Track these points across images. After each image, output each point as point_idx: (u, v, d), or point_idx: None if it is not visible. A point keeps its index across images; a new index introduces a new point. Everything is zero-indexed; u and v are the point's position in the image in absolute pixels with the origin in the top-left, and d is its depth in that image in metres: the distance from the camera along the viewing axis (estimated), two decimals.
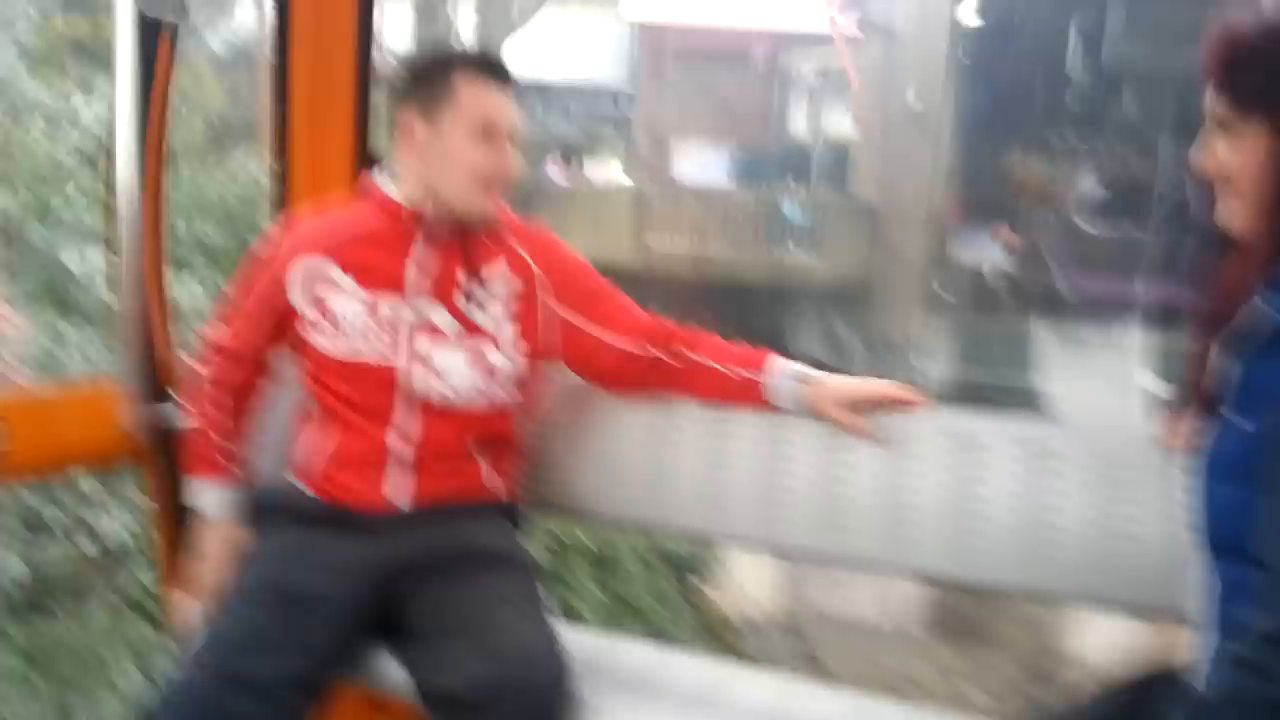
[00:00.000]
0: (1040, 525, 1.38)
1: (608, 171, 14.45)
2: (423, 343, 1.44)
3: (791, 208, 12.05)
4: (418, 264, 1.45)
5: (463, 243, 1.47)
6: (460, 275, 1.46)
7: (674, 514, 1.59)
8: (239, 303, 1.52)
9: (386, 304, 1.44)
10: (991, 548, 1.41)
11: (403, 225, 1.45)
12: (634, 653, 1.51)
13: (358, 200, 1.52)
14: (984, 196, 12.28)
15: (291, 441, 1.54)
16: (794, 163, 14.48)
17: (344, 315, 1.44)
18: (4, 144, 4.85)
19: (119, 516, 2.80)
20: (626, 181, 14.26)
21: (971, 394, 10.10)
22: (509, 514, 1.54)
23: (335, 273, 1.45)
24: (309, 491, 1.48)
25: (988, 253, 11.57)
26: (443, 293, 1.45)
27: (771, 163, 14.63)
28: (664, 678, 1.44)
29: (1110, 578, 1.35)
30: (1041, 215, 11.79)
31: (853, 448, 1.48)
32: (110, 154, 1.59)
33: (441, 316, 1.45)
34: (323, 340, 1.46)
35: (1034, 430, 1.46)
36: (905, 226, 12.03)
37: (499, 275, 1.48)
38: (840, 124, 14.23)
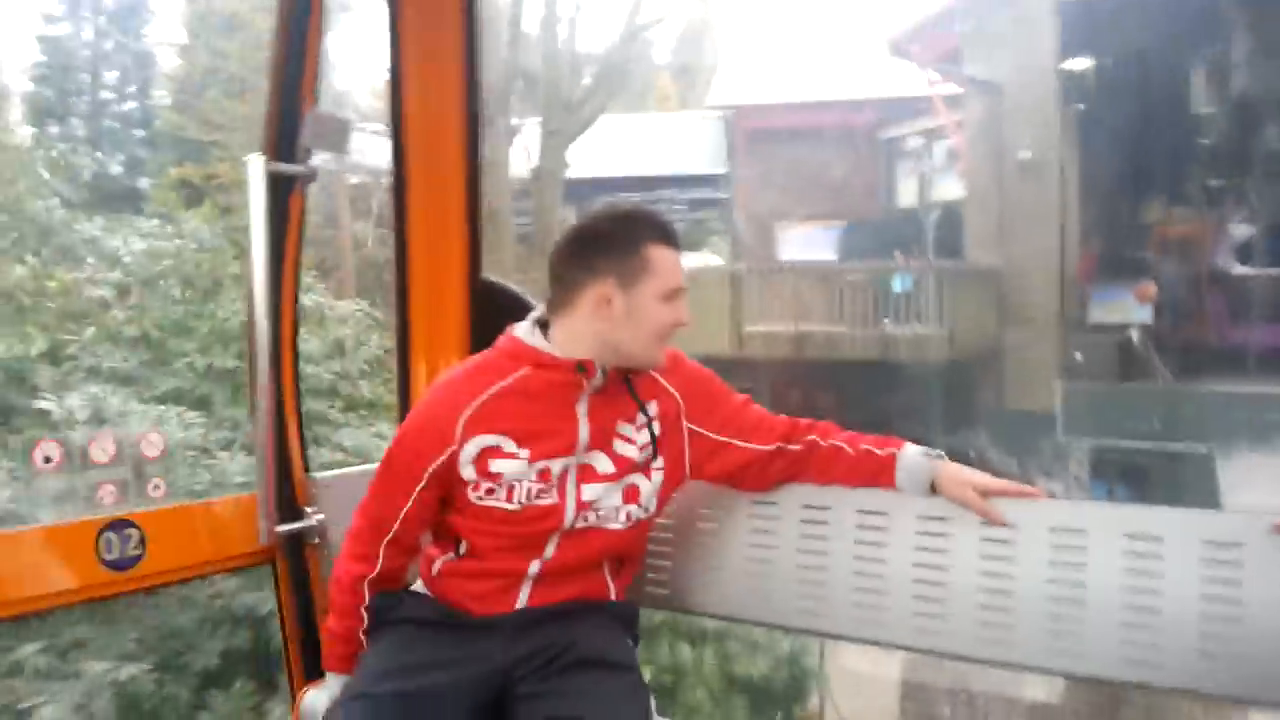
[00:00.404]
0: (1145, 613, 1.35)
1: (707, 258, 14.43)
2: (586, 490, 1.52)
3: (903, 279, 11.39)
4: (585, 420, 1.51)
5: (626, 392, 1.54)
6: (619, 425, 1.54)
7: (778, 609, 1.63)
8: (403, 487, 1.52)
9: (557, 464, 1.50)
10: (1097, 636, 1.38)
11: (568, 381, 1.50)
12: None
13: (507, 360, 1.52)
14: (1119, 251, 11.33)
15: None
16: (905, 232, 13.79)
17: (517, 480, 1.49)
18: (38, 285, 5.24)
19: None
20: (723, 264, 14.04)
21: (1123, 463, 9.56)
22: (620, 614, 1.58)
23: (510, 446, 1.49)
24: (432, 597, 1.57)
25: (1130, 312, 10.55)
26: (605, 441, 1.53)
27: (879, 234, 13.95)
28: None
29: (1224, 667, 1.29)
30: (1188, 265, 10.78)
31: (955, 541, 1.50)
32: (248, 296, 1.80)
33: (602, 461, 1.53)
34: (490, 500, 1.50)
35: (1141, 517, 1.42)
36: (1032, 289, 11.23)
37: (651, 412, 1.57)
38: (952, 189, 13.74)
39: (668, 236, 1.50)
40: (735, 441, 1.59)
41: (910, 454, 1.55)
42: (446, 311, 1.97)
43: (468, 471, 1.49)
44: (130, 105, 17.69)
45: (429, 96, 1.97)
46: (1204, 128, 11.13)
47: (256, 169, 1.75)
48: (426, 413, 1.53)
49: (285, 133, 1.81)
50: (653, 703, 1.47)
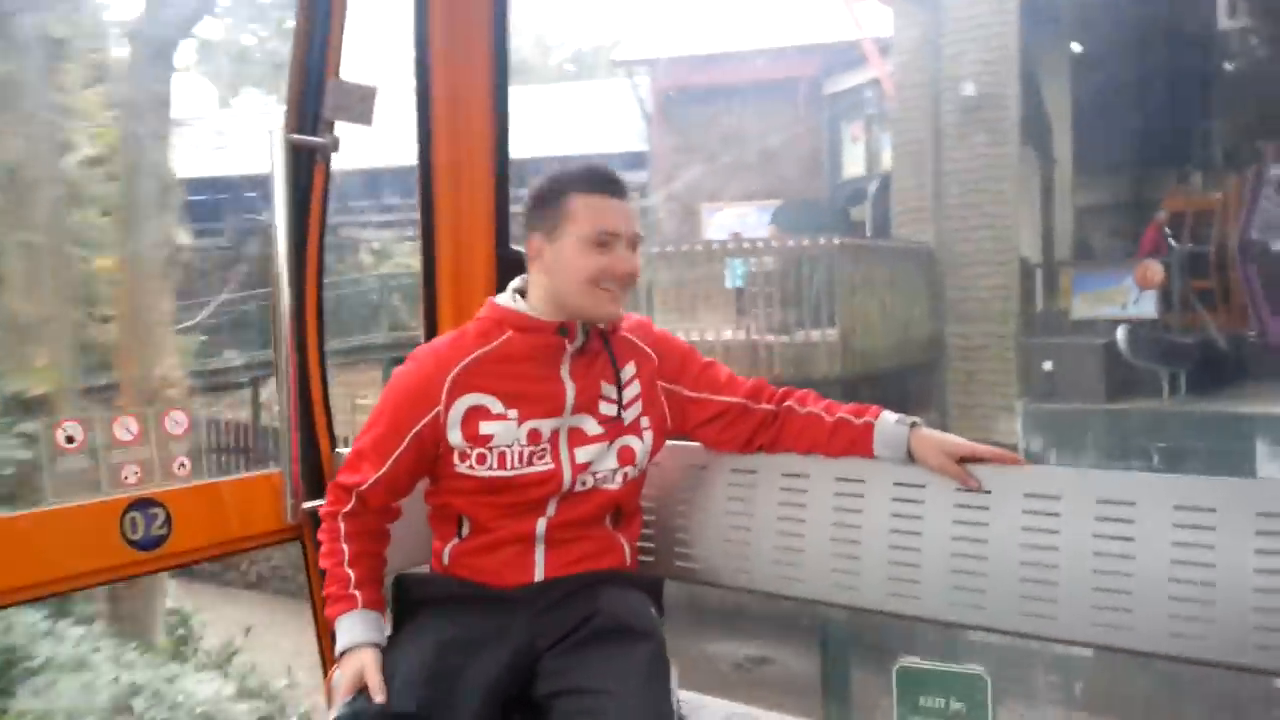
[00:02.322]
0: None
1: None
2: (579, 452, 1.56)
3: (735, 268, 8.43)
4: (570, 381, 1.55)
5: (605, 353, 1.59)
6: (603, 386, 1.59)
7: (757, 575, 1.70)
8: (382, 445, 1.53)
9: (546, 426, 1.54)
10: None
11: (550, 343, 1.55)
12: None
13: (491, 325, 1.57)
14: (1114, 221, 9.22)
15: (428, 536, 1.64)
16: (850, 207, 11.79)
17: (508, 444, 1.52)
18: None
19: None
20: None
21: None
22: (648, 585, 1.64)
23: (498, 407, 1.52)
24: (450, 576, 1.59)
25: (1127, 303, 7.88)
26: (591, 403, 1.58)
27: (815, 213, 11.82)
28: None
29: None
30: (1210, 237, 8.28)
31: (930, 508, 1.56)
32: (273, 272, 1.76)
33: (591, 424, 1.57)
34: (481, 470, 1.53)
35: (1114, 482, 1.47)
36: (982, 274, 8.47)
37: (630, 373, 1.63)
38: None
39: (593, 184, 1.51)
40: (706, 395, 1.66)
41: (887, 422, 1.60)
42: (474, 285, 1.96)
43: (455, 436, 1.51)
44: None
45: (456, 65, 1.95)
46: (1233, 49, 8.43)
47: (276, 141, 1.72)
48: (412, 373, 1.55)
49: (307, 103, 1.77)
50: (674, 674, 1.49)
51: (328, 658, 1.73)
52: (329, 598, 1.54)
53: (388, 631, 1.55)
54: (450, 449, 1.53)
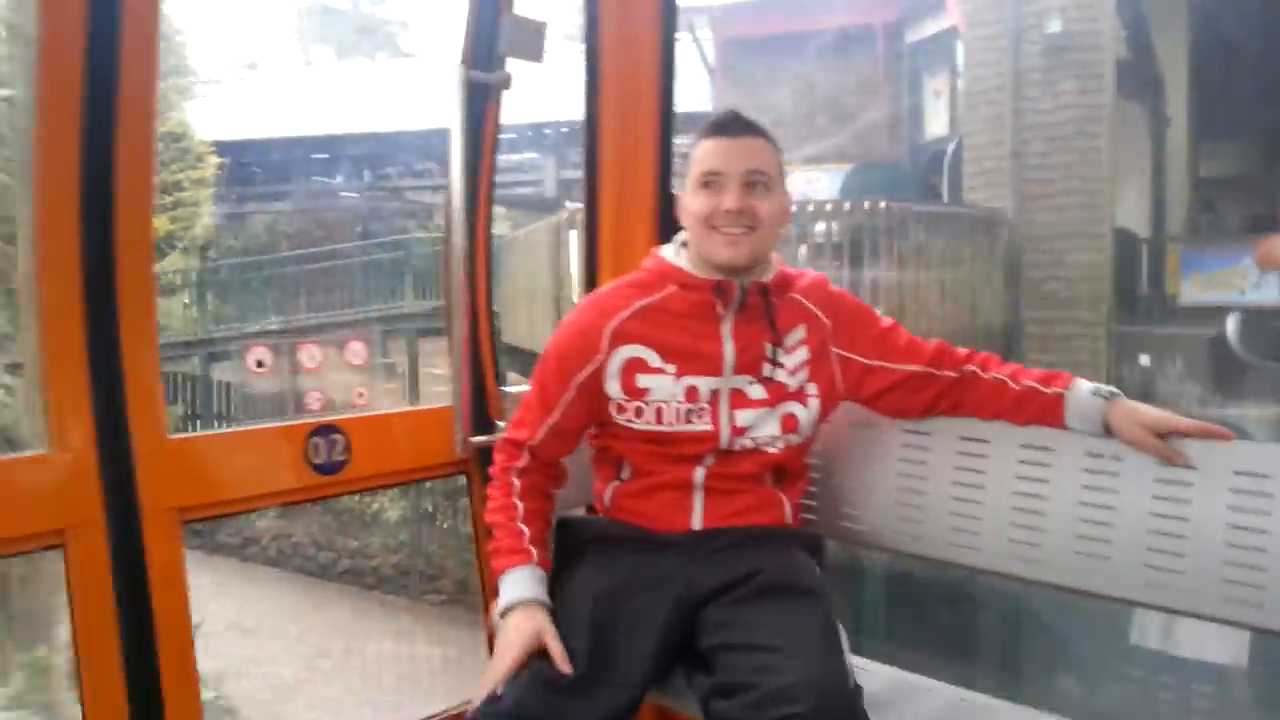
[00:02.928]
0: None
1: None
2: (740, 415, 1.53)
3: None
4: (730, 341, 1.52)
5: (767, 313, 1.54)
6: (767, 348, 1.54)
7: (928, 541, 1.64)
8: (548, 396, 1.54)
9: (705, 384, 1.51)
10: None
11: (709, 299, 1.52)
12: (933, 692, 1.50)
13: (655, 277, 1.56)
14: (1234, 199, 7.72)
15: (589, 480, 1.65)
16: (930, 169, 10.16)
17: (665, 400, 1.51)
18: None
19: None
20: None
21: None
22: (810, 544, 1.60)
23: (656, 360, 1.51)
24: (612, 519, 1.59)
25: (1250, 287, 6.32)
26: (753, 365, 1.54)
27: (892, 178, 10.19)
28: None
29: None
30: None
31: (1126, 482, 1.45)
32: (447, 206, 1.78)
33: (754, 387, 1.54)
34: (639, 423, 1.52)
35: None
36: (1069, 251, 7.14)
37: (798, 337, 1.57)
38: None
39: (709, 128, 1.52)
40: (884, 364, 1.60)
41: (1080, 393, 1.51)
42: (634, 230, 1.94)
43: (613, 387, 1.50)
44: None
45: (625, 13, 1.90)
46: None
47: (455, 78, 1.72)
48: (574, 324, 1.55)
49: (482, 39, 1.76)
50: (844, 637, 1.44)
51: (490, 590, 1.77)
52: (499, 550, 1.52)
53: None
54: (609, 400, 1.52)
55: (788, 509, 1.59)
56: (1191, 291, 6.93)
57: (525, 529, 1.52)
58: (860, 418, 1.71)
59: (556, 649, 1.38)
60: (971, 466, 1.61)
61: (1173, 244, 7.58)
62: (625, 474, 1.58)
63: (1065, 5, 7.26)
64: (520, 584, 1.47)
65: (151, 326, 1.46)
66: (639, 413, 1.51)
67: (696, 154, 1.52)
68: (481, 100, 1.79)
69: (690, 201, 1.52)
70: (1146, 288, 7.66)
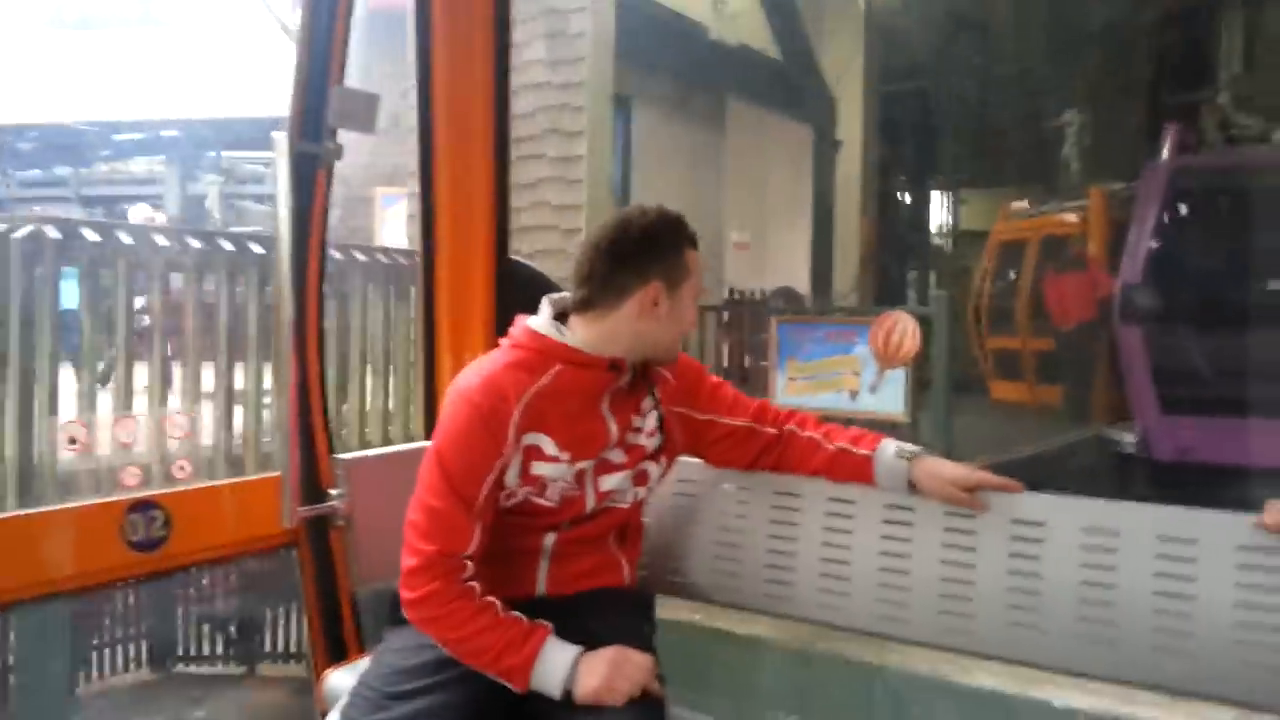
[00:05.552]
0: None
1: None
2: (604, 481, 1.55)
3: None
4: (612, 418, 1.54)
5: (641, 384, 1.58)
6: (634, 418, 1.57)
7: (789, 600, 1.70)
8: (468, 498, 1.44)
9: (589, 464, 1.52)
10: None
11: (598, 379, 1.51)
12: None
13: (536, 357, 1.49)
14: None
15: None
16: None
17: (551, 482, 1.49)
18: None
19: None
20: None
21: None
22: (642, 603, 1.66)
23: (552, 449, 1.48)
24: None
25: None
26: (624, 435, 1.56)
27: None
28: None
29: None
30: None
31: (975, 540, 1.55)
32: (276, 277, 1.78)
33: (616, 454, 1.56)
34: (511, 502, 1.50)
35: (1101, 511, 1.49)
36: None
37: (653, 400, 1.63)
38: None
39: (691, 240, 1.57)
40: (715, 417, 1.68)
41: (886, 455, 1.61)
42: (472, 294, 1.97)
43: (511, 476, 1.48)
44: None
45: (457, 74, 1.96)
46: None
47: (282, 148, 1.74)
48: (478, 416, 1.44)
49: (311, 110, 1.77)
50: (665, 692, 1.48)
51: (320, 662, 1.75)
52: (512, 643, 1.42)
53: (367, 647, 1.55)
54: (501, 488, 1.48)
55: (626, 570, 1.63)
56: (788, 390, 4.44)
57: (517, 615, 1.45)
58: (685, 475, 1.79)
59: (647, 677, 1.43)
60: (786, 520, 1.70)
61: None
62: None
63: None
64: (559, 651, 1.42)
65: None
66: (524, 497, 1.50)
67: (690, 264, 1.53)
68: (311, 170, 1.81)
69: (689, 311, 1.54)
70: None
